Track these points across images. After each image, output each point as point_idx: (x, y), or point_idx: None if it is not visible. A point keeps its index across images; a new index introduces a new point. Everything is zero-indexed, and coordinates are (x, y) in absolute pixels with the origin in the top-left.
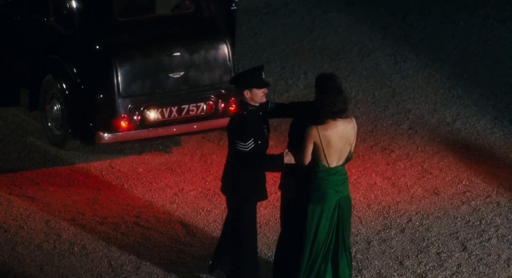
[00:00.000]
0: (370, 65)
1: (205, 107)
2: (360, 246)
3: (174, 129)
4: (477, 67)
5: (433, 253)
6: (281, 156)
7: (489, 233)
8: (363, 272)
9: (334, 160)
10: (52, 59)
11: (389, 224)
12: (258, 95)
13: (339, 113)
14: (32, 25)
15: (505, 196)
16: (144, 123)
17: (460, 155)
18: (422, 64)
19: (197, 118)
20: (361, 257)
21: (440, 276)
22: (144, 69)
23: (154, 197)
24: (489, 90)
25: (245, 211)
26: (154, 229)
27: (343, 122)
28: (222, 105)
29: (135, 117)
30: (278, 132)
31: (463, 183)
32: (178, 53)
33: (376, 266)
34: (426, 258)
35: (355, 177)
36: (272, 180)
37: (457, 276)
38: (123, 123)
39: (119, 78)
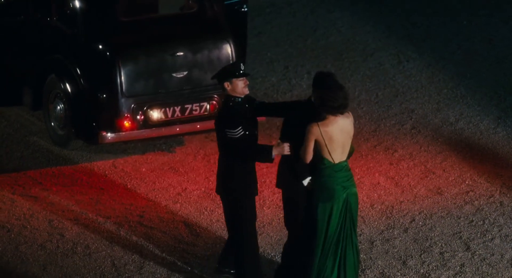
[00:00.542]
0: (374, 65)
1: (208, 107)
2: (363, 246)
3: (177, 129)
4: (480, 67)
5: (436, 253)
6: (270, 147)
7: (492, 233)
8: (366, 272)
9: (337, 154)
10: (55, 59)
11: (392, 224)
12: (239, 86)
13: (341, 108)
14: (35, 25)
15: (508, 195)
16: (147, 123)
17: (463, 154)
18: (426, 64)
19: (200, 118)
20: (364, 256)
21: (443, 275)
22: (147, 69)
23: (157, 196)
24: (492, 90)
25: (241, 209)
26: (157, 228)
27: (342, 117)
28: None
29: (138, 117)
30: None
31: (466, 182)
32: (181, 53)
33: (379, 266)
34: (429, 258)
35: (358, 177)
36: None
37: (460, 275)
38: (126, 123)
39: (122, 78)
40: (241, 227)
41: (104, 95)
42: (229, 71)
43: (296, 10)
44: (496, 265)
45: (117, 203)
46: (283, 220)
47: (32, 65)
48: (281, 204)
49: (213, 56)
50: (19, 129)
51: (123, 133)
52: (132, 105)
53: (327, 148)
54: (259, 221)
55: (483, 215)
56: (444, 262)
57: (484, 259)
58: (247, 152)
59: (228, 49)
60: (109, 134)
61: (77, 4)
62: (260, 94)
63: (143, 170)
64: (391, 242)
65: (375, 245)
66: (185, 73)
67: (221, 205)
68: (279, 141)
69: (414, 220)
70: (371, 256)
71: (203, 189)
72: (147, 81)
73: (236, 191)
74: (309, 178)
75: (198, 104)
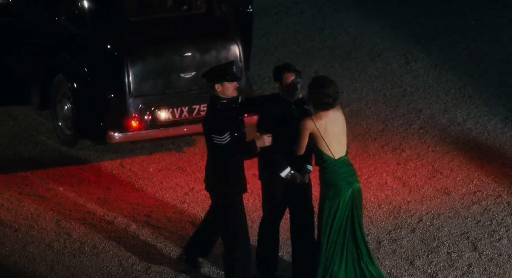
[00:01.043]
0: (381, 65)
1: None
2: (370, 246)
3: (185, 129)
4: (488, 67)
5: (444, 253)
6: (253, 142)
7: (500, 233)
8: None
9: (335, 147)
10: (63, 58)
11: (399, 224)
12: (229, 89)
13: (333, 103)
14: (43, 24)
15: None
16: (155, 123)
17: (471, 154)
18: (433, 64)
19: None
20: None
21: (450, 276)
22: (155, 69)
23: (164, 196)
24: (500, 90)
25: (233, 206)
26: (164, 228)
27: (333, 110)
28: None
29: (146, 117)
30: None
31: (474, 182)
32: (190, 53)
33: (386, 266)
34: (436, 258)
35: (365, 177)
36: None
37: (467, 276)
38: (134, 123)
39: (130, 78)
40: (234, 223)
41: (112, 95)
42: (222, 73)
43: (303, 10)
44: (503, 265)
45: (125, 203)
46: (289, 219)
47: (39, 64)
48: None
49: (221, 57)
50: (26, 128)
51: (131, 133)
52: (140, 105)
53: (324, 140)
54: None
55: (490, 215)
56: (452, 262)
57: (492, 259)
58: (234, 154)
59: (236, 50)
60: (116, 134)
61: (86, 3)
62: (267, 94)
63: (151, 169)
64: (398, 242)
65: (383, 245)
66: (193, 73)
67: None
68: (258, 134)
69: (421, 220)
70: (379, 256)
71: None
72: (155, 82)
73: (226, 189)
74: (288, 169)
75: (205, 104)
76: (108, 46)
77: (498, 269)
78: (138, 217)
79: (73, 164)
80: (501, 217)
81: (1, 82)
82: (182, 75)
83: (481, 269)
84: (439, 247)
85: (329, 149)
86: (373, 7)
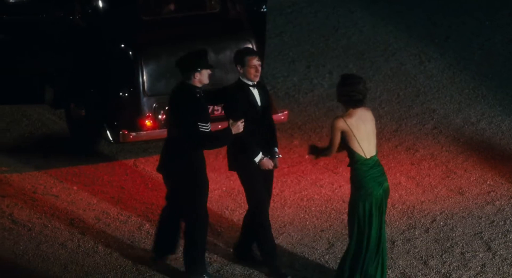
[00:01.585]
0: (395, 64)
1: None
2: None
3: None
4: (502, 67)
5: (458, 253)
6: (229, 128)
7: None
8: (387, 272)
9: (366, 146)
10: (77, 57)
11: (413, 224)
12: (206, 77)
13: (363, 100)
14: (58, 23)
15: None
16: None
17: (484, 154)
18: (447, 64)
19: (222, 118)
20: None
21: (464, 276)
22: (169, 68)
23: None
24: None
25: (198, 194)
26: None
27: (362, 109)
28: None
29: (160, 116)
30: (303, 131)
31: (488, 182)
32: None
33: (400, 266)
34: (450, 258)
35: None
36: (296, 179)
37: (481, 276)
38: (148, 122)
39: (144, 77)
40: (196, 205)
41: (126, 94)
42: (201, 63)
43: (317, 9)
44: None
45: (138, 202)
46: (304, 219)
47: (53, 63)
48: (302, 203)
49: None
50: (40, 128)
51: (145, 132)
52: (154, 104)
53: (356, 138)
54: (280, 220)
55: (504, 215)
56: (465, 262)
57: (505, 260)
58: (213, 142)
59: None
60: (130, 133)
61: (100, 2)
62: (281, 94)
63: None
64: (412, 242)
65: (396, 245)
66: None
67: (242, 204)
68: (231, 120)
69: (435, 220)
70: (392, 256)
71: (224, 188)
72: (169, 81)
73: (198, 170)
74: (261, 154)
75: (220, 104)
76: (122, 46)
77: (511, 269)
78: (151, 216)
79: (87, 163)
80: None
81: (15, 81)
82: None
83: (495, 269)
84: (452, 247)
85: (361, 148)
86: (387, 6)
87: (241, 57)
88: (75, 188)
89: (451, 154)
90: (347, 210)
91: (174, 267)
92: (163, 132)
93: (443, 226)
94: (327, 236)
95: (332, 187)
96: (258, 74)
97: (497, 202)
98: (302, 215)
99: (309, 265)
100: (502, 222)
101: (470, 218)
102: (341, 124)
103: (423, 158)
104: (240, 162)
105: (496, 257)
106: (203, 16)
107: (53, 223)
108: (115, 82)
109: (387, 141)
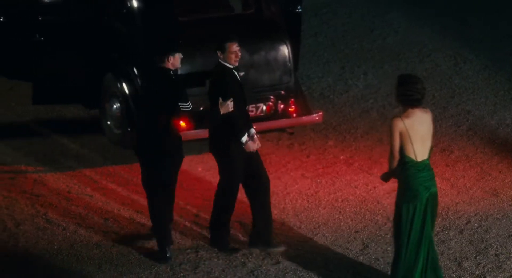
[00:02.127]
0: (430, 65)
1: (264, 108)
2: None
3: None
4: None
5: (492, 255)
6: (218, 108)
7: None
8: None
9: (419, 149)
10: (112, 57)
11: (447, 225)
12: (178, 60)
13: (420, 100)
14: (92, 23)
15: None
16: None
17: None
18: (482, 65)
19: (256, 119)
20: None
21: (498, 277)
22: (204, 69)
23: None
24: None
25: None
26: None
27: (421, 111)
28: (282, 106)
29: (195, 117)
30: (338, 132)
31: None
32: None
33: None
34: (484, 260)
35: None
36: (331, 180)
37: None
38: (183, 123)
39: (179, 77)
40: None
41: None
42: (174, 45)
43: (352, 10)
44: None
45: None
46: (338, 220)
47: (88, 63)
48: (337, 204)
49: (270, 57)
50: (75, 128)
51: (180, 133)
52: None
53: (410, 139)
54: (314, 221)
55: None
56: (500, 264)
57: None
58: (202, 120)
59: (285, 50)
60: None
61: (135, 3)
62: (316, 94)
63: (199, 169)
64: (446, 244)
65: None
66: (241, 74)
67: (276, 205)
68: (220, 100)
69: (469, 221)
70: None
71: None
72: (204, 81)
73: (177, 150)
74: (247, 135)
75: (254, 105)
76: (157, 46)
77: None
78: (186, 216)
79: (122, 163)
80: None
81: (50, 81)
82: None
83: None
84: (487, 248)
85: (413, 150)
86: (422, 7)
87: (221, 44)
88: (109, 187)
89: (486, 156)
90: (381, 211)
91: (212, 268)
92: (198, 133)
93: (477, 228)
94: (361, 237)
95: (366, 188)
96: (238, 59)
97: None
98: (337, 216)
99: (343, 266)
100: None
101: (504, 220)
102: (399, 124)
103: (458, 159)
104: (223, 145)
105: None
106: (238, 17)
107: (88, 222)
108: None
109: None
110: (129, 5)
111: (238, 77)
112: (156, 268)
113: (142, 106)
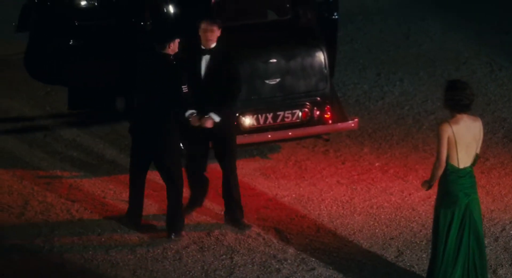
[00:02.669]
0: (466, 73)
1: (300, 114)
2: None
3: (269, 136)
4: None
5: None
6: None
7: None
8: None
9: (463, 156)
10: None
11: (483, 233)
12: (177, 45)
13: (469, 106)
14: (127, 30)
15: None
16: (240, 129)
17: None
18: None
19: (292, 125)
20: None
21: None
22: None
23: (248, 202)
24: None
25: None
26: (247, 234)
27: (469, 118)
28: (318, 112)
29: (239, 121)
30: (373, 139)
31: None
32: (275, 60)
33: None
34: None
35: None
36: (366, 187)
37: None
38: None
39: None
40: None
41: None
42: (174, 32)
43: (388, 17)
44: None
45: (207, 208)
46: (373, 227)
47: (124, 70)
48: (372, 211)
49: (306, 64)
50: (110, 133)
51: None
52: None
53: (455, 146)
54: (349, 228)
55: None
56: None
57: None
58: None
59: (321, 57)
60: None
61: (171, 9)
62: (351, 101)
63: None
64: None
65: None
66: (277, 80)
67: (312, 211)
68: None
69: (504, 229)
70: None
71: (294, 195)
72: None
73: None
74: (192, 111)
75: (290, 111)
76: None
77: None
78: (221, 222)
79: (156, 168)
80: None
81: (86, 88)
82: (266, 81)
83: None
84: None
85: (457, 156)
86: (458, 14)
87: (198, 24)
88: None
89: None
90: (416, 218)
91: (247, 275)
92: (244, 138)
93: None
94: (396, 244)
95: (402, 195)
96: (208, 42)
97: None
98: (372, 223)
99: (378, 273)
100: None
101: None
102: (447, 129)
103: (493, 167)
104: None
105: None
106: (275, 23)
107: (123, 228)
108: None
109: None
110: (165, 10)
111: (205, 61)
112: (191, 274)
113: (141, 90)
